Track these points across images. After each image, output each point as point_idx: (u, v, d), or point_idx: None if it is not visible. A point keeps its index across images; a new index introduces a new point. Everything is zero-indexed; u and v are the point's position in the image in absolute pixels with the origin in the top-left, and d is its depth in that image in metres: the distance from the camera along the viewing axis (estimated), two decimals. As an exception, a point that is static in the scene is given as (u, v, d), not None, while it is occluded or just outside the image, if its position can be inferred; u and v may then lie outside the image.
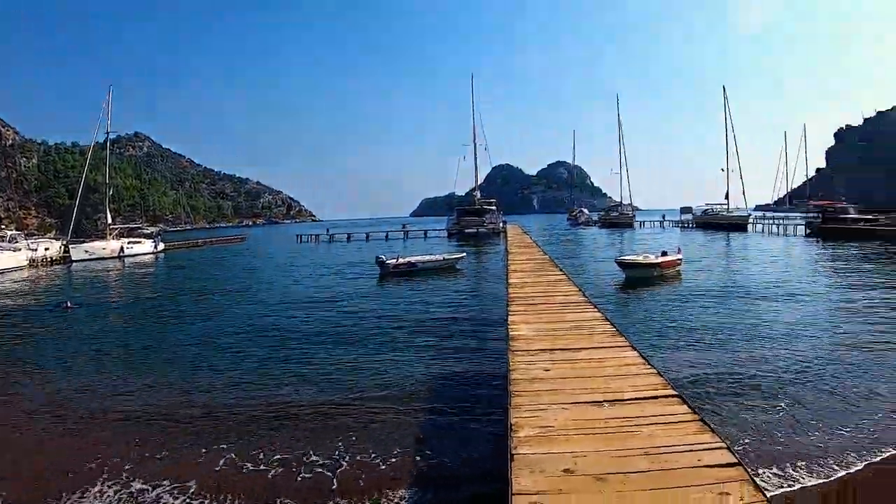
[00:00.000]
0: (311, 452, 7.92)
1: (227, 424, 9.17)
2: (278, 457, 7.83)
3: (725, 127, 75.93)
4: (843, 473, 6.84)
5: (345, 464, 7.57)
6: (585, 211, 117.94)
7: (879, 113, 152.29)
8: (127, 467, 7.63)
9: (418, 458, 7.71)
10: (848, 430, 8.12)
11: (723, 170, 76.10)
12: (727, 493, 4.24)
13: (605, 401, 6.32)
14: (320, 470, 7.41)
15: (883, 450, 7.44)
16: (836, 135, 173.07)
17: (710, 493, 4.28)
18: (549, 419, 5.86)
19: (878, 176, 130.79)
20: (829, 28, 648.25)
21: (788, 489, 6.46)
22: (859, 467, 6.99)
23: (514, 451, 5.13)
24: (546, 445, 5.25)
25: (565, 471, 4.72)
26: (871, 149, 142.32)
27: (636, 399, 6.34)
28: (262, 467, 7.57)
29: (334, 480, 7.12)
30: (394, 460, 7.64)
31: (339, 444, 8.20)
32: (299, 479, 7.23)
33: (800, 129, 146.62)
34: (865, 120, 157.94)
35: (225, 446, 8.25)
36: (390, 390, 10.58)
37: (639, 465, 4.75)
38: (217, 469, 7.57)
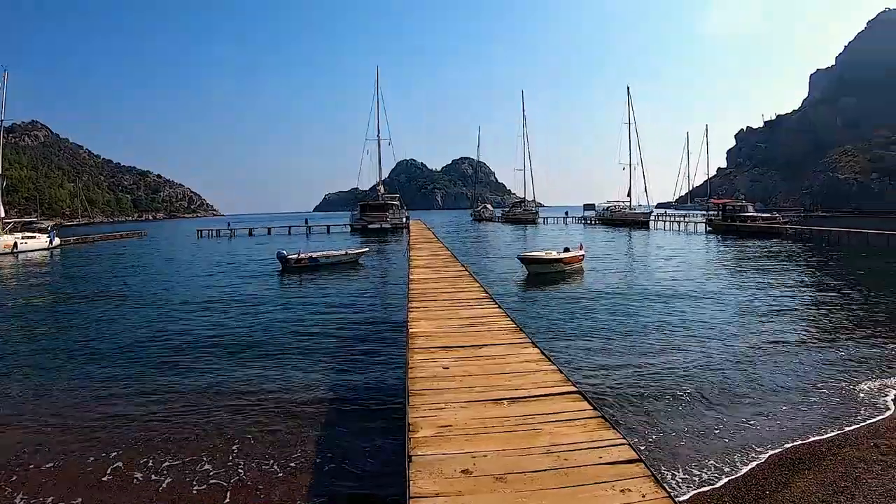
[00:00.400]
0: (205, 460, 7.72)
1: (115, 432, 8.78)
2: (168, 464, 7.61)
3: (629, 126, 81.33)
4: (746, 469, 7.28)
5: (241, 471, 7.40)
6: (490, 207, 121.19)
7: (779, 116, 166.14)
8: (13, 479, 7.31)
9: (318, 461, 7.64)
10: (752, 423, 8.72)
11: (624, 168, 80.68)
12: (629, 490, 4.39)
13: (505, 398, 6.42)
14: (215, 480, 7.18)
15: (786, 443, 8.02)
16: (736, 136, 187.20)
17: (612, 490, 4.42)
18: (448, 418, 5.88)
19: (776, 176, 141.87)
20: (735, 33, 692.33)
21: (695, 491, 6.75)
22: (761, 461, 7.46)
23: (411, 453, 5.09)
24: (445, 446, 5.24)
25: (464, 472, 4.72)
26: (770, 150, 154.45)
27: (537, 396, 6.49)
28: (153, 477, 7.30)
29: (228, 493, 6.88)
30: (293, 465, 7.54)
31: (235, 449, 8.04)
32: (193, 490, 6.97)
33: (702, 131, 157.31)
34: (765, 123, 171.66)
35: (115, 454, 7.96)
36: (289, 393, 10.41)
37: (540, 464, 4.84)
38: (104, 479, 7.28)
